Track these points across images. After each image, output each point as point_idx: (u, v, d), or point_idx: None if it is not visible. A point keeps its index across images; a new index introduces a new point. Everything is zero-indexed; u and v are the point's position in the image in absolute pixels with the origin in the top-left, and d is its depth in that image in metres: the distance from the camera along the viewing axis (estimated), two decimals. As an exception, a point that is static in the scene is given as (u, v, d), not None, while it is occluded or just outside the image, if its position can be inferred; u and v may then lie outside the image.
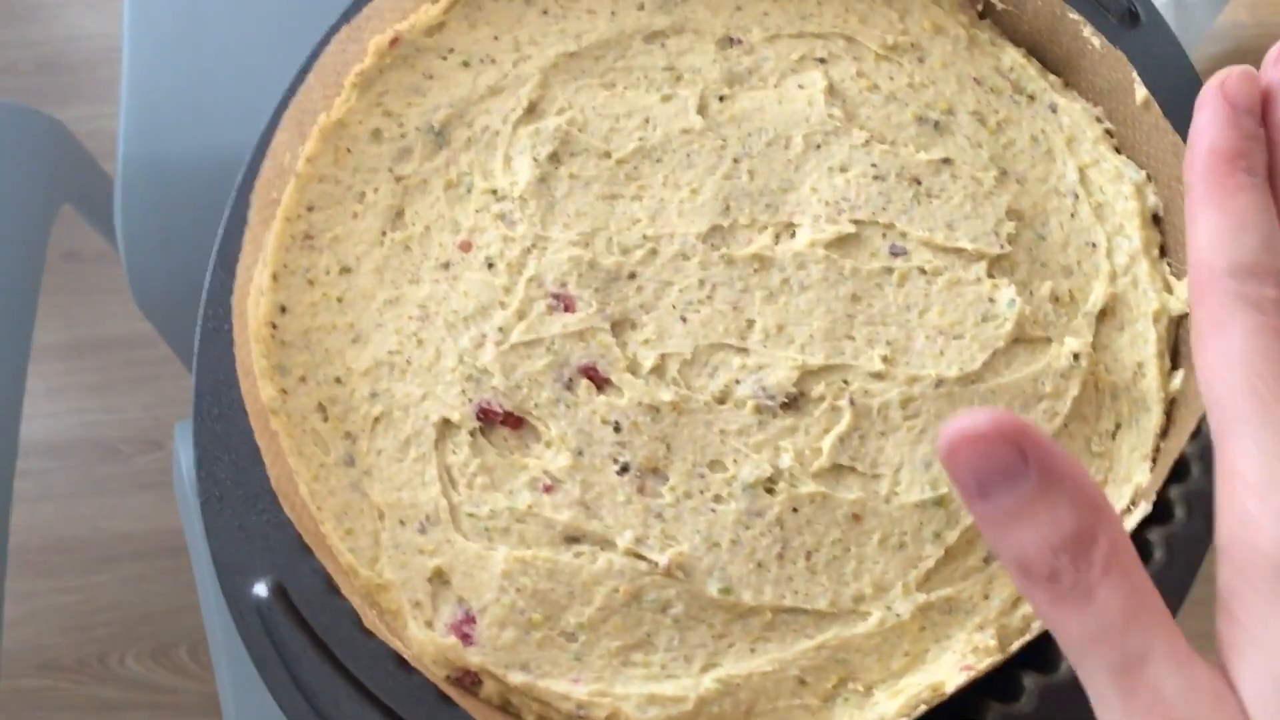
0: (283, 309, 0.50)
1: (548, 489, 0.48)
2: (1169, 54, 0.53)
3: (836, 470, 0.49)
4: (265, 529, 0.46)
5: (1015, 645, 0.45)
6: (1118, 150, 0.54)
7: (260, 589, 0.45)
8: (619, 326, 0.50)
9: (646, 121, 0.54)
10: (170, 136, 0.87)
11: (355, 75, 0.53)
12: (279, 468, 0.46)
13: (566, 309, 0.50)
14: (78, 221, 1.29)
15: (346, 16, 0.53)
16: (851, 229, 0.52)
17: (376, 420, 0.49)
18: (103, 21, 1.62)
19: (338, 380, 0.49)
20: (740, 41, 0.56)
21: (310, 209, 0.52)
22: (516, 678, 0.45)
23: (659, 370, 0.50)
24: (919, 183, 0.53)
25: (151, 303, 0.87)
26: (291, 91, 0.51)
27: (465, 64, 0.55)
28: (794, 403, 0.49)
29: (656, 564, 0.47)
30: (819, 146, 0.53)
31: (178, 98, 0.88)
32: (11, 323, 0.94)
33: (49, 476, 1.40)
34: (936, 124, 0.54)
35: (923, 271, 0.51)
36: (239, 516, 0.46)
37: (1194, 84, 0.52)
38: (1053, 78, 0.56)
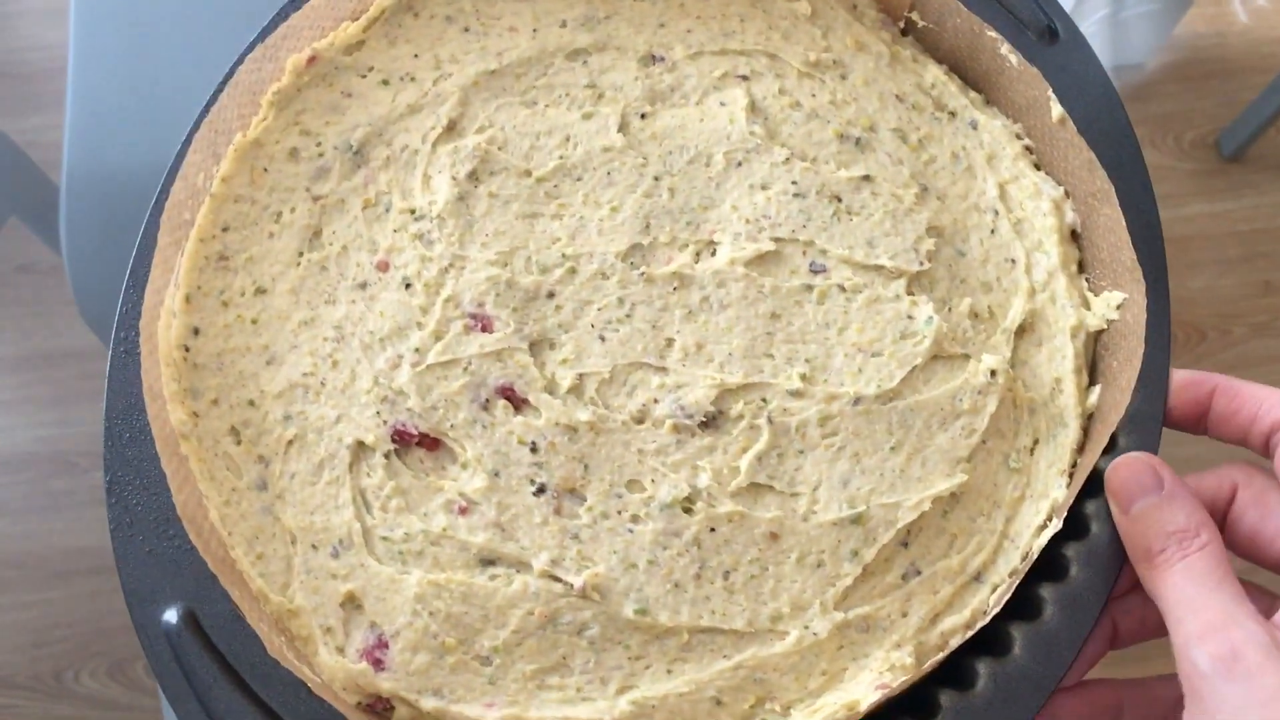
0: (196, 331, 0.50)
1: (463, 511, 0.48)
2: (1086, 71, 0.53)
3: (754, 489, 0.48)
4: (176, 555, 0.46)
5: (930, 663, 0.45)
6: (1037, 166, 0.54)
7: (171, 616, 0.44)
8: (537, 346, 0.50)
9: (567, 139, 0.54)
10: (114, 150, 0.87)
11: (272, 94, 0.53)
12: (186, 493, 0.46)
13: (484, 329, 0.50)
14: (31, 233, 1.28)
15: (262, 35, 0.52)
16: (772, 247, 0.52)
17: (290, 443, 0.48)
18: (58, 32, 1.61)
19: (251, 403, 0.49)
20: (663, 59, 0.56)
21: (225, 229, 0.51)
22: (429, 703, 0.45)
23: (577, 390, 0.49)
24: (840, 200, 0.53)
25: (96, 314, 0.86)
26: (204, 112, 0.51)
27: (385, 82, 0.54)
28: (712, 421, 0.49)
29: (572, 586, 0.46)
30: (740, 164, 0.53)
31: (122, 112, 0.87)
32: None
33: (2, 491, 1.38)
34: (858, 141, 0.54)
35: (842, 289, 0.51)
36: (150, 542, 0.46)
37: (1112, 100, 0.53)
38: (974, 94, 0.56)
